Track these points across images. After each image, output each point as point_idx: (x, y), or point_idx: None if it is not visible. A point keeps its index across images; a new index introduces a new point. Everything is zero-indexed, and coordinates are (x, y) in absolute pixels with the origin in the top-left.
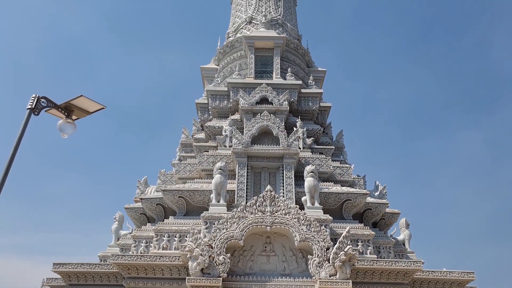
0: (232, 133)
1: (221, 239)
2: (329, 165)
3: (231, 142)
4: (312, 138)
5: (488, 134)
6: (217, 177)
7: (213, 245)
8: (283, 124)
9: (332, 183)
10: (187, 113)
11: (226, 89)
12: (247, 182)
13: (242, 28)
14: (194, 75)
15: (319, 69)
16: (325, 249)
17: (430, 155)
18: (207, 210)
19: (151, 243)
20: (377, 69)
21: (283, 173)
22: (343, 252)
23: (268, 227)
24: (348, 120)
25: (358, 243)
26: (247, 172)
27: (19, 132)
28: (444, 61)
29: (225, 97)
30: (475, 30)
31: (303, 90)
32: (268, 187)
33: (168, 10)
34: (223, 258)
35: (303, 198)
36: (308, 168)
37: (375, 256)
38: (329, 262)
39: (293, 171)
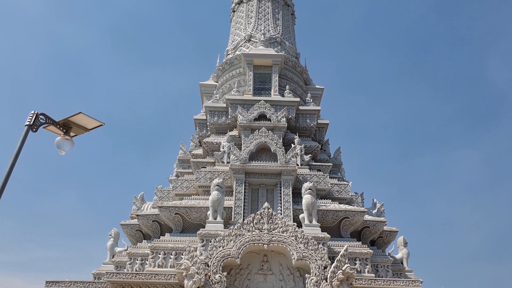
0: (230, 149)
1: (217, 257)
2: (327, 182)
3: (229, 158)
4: (310, 155)
5: (485, 153)
6: (214, 193)
7: (209, 263)
8: (281, 140)
9: (330, 200)
10: (185, 129)
11: (224, 105)
12: (244, 199)
13: (241, 46)
14: (193, 91)
15: (317, 86)
16: (322, 268)
17: (428, 173)
18: (204, 227)
19: (147, 260)
20: (375, 86)
21: (280, 190)
22: (341, 271)
23: (266, 245)
24: (345, 137)
25: (356, 262)
26: (244, 189)
27: (16, 149)
28: (441, 79)
29: (224, 113)
30: (471, 50)
31: (301, 107)
32: (266, 204)
33: (168, 27)
34: (219, 276)
35: (300, 216)
36: (306, 185)
37: (373, 275)
38: (326, 281)
39: (291, 188)
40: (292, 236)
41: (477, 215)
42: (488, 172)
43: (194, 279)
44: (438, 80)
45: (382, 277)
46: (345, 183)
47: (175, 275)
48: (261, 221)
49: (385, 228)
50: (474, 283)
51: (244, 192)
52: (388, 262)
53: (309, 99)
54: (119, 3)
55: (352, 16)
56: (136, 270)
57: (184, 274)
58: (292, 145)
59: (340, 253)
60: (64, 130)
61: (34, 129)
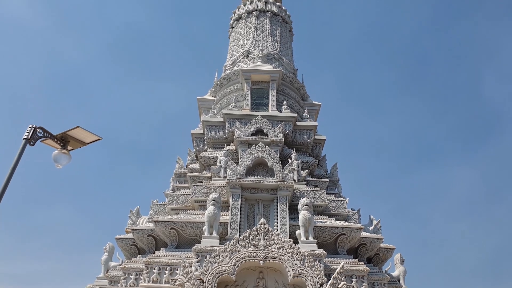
0: (227, 163)
1: (212, 273)
2: (324, 198)
3: (226, 173)
4: (307, 170)
5: (482, 169)
6: (210, 208)
7: (204, 279)
8: (278, 156)
9: (327, 216)
10: (182, 143)
11: (222, 120)
12: (240, 214)
13: (239, 62)
14: (190, 105)
15: (314, 102)
16: (319, 285)
17: (425, 189)
18: (199, 243)
19: (141, 275)
20: (372, 102)
21: (277, 206)
22: None
23: (261, 262)
24: (342, 153)
25: (353, 279)
26: (241, 204)
27: (13, 162)
28: (438, 95)
29: (221, 128)
30: (467, 66)
31: (298, 123)
32: (262, 220)
33: (167, 42)
34: None
35: (297, 232)
36: (303, 201)
37: None
38: None
39: (287, 203)
40: (289, 252)
41: (475, 232)
42: (485, 189)
43: None
44: (434, 96)
45: None
46: (342, 199)
47: None
48: (257, 237)
49: (382, 245)
50: None
51: (241, 207)
52: (385, 280)
53: (306, 114)
54: (118, 17)
55: (349, 33)
56: (130, 285)
57: None
58: (289, 160)
59: (337, 271)
60: (62, 144)
61: (31, 143)
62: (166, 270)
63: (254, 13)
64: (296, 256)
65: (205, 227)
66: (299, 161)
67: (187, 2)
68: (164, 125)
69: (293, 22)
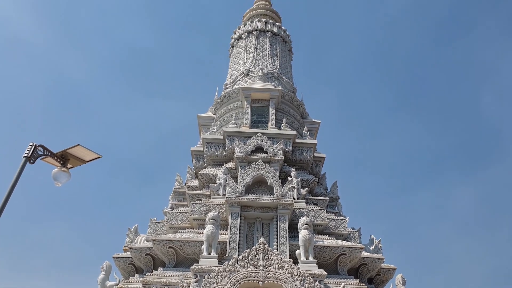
0: (226, 181)
1: None
2: (324, 217)
3: (225, 190)
4: (307, 188)
5: (481, 189)
6: (209, 227)
7: None
8: (278, 173)
9: (327, 236)
10: (182, 161)
11: (222, 137)
12: (239, 233)
13: (239, 80)
14: (190, 123)
15: (314, 120)
16: None
17: (426, 209)
18: (198, 262)
19: None
20: (371, 121)
21: (277, 224)
22: None
23: (261, 282)
24: (342, 171)
25: None
26: (240, 223)
27: (12, 180)
28: (437, 115)
29: (221, 145)
30: (466, 85)
31: (297, 141)
32: (261, 239)
33: (168, 60)
34: None
35: (297, 252)
36: (303, 220)
37: None
38: None
39: (287, 222)
40: (288, 273)
41: (476, 251)
42: (485, 207)
43: None
44: (434, 116)
45: None
46: (342, 218)
47: None
48: (256, 257)
49: (383, 265)
50: None
51: (240, 226)
52: None
53: (305, 132)
54: (119, 36)
55: (348, 51)
56: None
57: None
58: (289, 178)
59: None
60: (62, 162)
61: (31, 161)
62: None
63: (254, 32)
64: (296, 277)
65: (204, 246)
66: (299, 179)
67: (188, 22)
68: (164, 143)
69: (292, 42)
